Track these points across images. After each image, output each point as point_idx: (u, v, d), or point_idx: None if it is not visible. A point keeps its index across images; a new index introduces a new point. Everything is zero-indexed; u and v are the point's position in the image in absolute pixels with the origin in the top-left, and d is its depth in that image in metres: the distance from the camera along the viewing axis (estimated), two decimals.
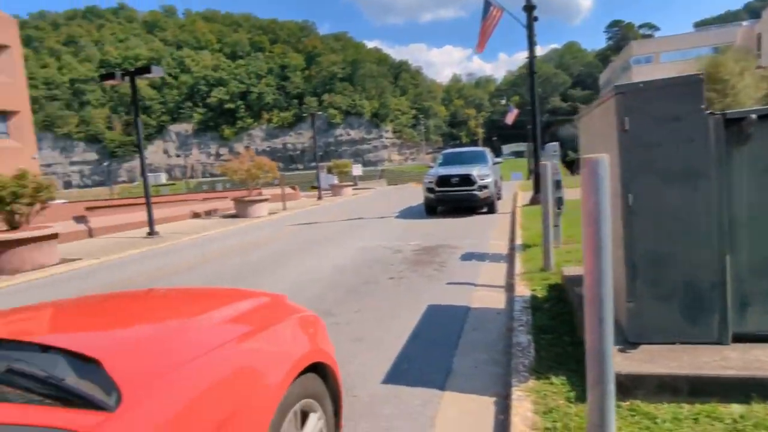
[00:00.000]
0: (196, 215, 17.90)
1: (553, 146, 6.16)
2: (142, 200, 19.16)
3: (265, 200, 17.51)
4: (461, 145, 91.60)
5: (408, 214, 13.50)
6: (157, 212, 13.26)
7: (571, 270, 4.24)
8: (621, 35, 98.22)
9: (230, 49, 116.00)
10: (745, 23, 52.28)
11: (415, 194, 21.77)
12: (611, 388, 1.91)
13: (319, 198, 24.01)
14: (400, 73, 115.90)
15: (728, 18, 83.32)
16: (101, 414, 1.21)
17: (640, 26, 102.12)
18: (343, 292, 5.55)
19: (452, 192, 11.77)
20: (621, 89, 2.74)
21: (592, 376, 1.94)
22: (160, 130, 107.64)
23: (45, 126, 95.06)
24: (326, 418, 2.15)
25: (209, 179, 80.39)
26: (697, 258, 2.64)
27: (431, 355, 3.60)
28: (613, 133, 2.76)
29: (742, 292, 2.63)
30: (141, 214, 14.69)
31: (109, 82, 11.97)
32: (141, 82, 11.64)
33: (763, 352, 2.50)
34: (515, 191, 17.39)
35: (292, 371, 1.86)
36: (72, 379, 1.37)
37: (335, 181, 30.08)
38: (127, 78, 12.03)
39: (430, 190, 12.13)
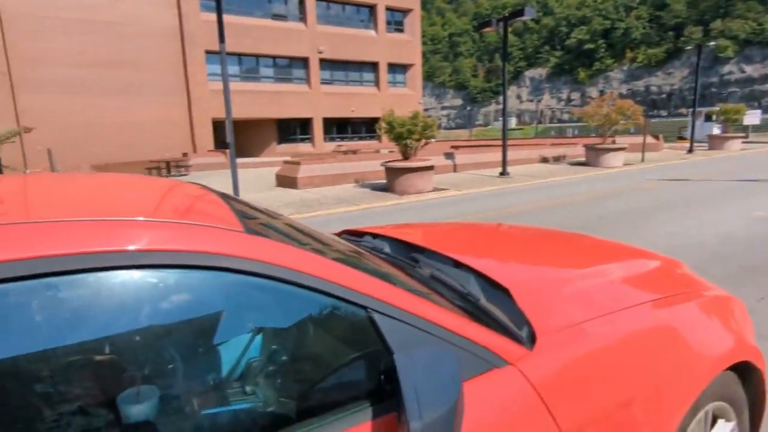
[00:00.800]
0: (544, 160, 17.92)
1: None
2: (495, 142, 20.59)
3: (621, 149, 15.75)
4: None
5: None
6: (509, 154, 13.92)
7: None
8: None
9: None
10: None
11: None
12: None
13: (690, 151, 19.88)
14: None
15: None
16: (520, 348, 1.17)
17: None
18: (735, 271, 4.35)
19: None
20: None
21: None
22: (516, 76, 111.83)
23: (427, 76, 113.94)
24: (739, 430, 1.65)
25: (557, 125, 79.12)
26: None
27: None
28: None
29: None
30: (494, 155, 15.85)
31: (486, 30, 12.84)
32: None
33: None
34: None
35: (716, 365, 1.45)
36: (482, 303, 1.41)
37: (715, 131, 24.15)
38: (500, 24, 12.63)
39: None
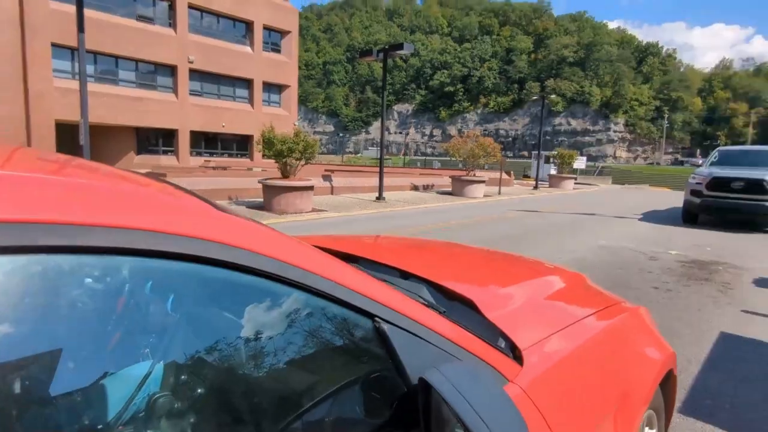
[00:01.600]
0: (414, 188, 18.87)
1: None
2: (369, 168, 21.10)
3: (482, 182, 17.34)
4: (714, 146, 74.65)
5: (655, 218, 11.52)
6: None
7: None
8: None
9: (458, 33, 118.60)
10: None
11: (655, 198, 18.80)
12: None
13: (536, 187, 22.76)
14: (645, 58, 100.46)
15: None
16: (514, 364, 1.04)
17: None
18: None
19: (730, 199, 9.33)
20: None
21: None
22: (385, 109, 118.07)
23: (301, 100, 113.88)
24: None
25: (421, 157, 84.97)
26: None
27: (746, 398, 2.76)
28: None
29: None
30: (368, 180, 16.21)
31: (367, 59, 13.21)
32: (376, 65, 12.53)
33: None
34: None
35: (660, 373, 1.48)
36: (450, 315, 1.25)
37: (552, 171, 28.12)
38: (380, 55, 13.11)
39: (695, 193, 9.91)
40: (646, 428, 1.60)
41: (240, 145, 28.08)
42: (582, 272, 5.55)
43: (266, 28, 28.06)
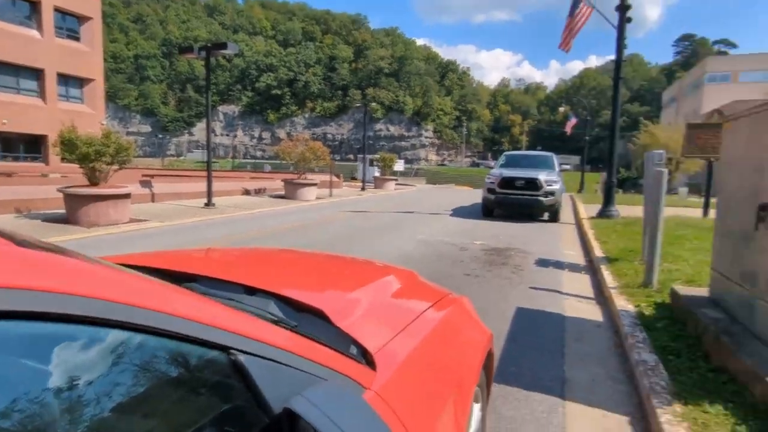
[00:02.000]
0: (246, 192, 18.23)
1: (659, 154, 5.79)
2: (193, 173, 19.59)
3: (314, 185, 17.66)
4: (501, 151, 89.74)
5: (462, 213, 13.28)
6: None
7: (687, 290, 3.99)
8: (692, 51, 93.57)
9: (283, 36, 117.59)
10: None
11: (461, 195, 21.56)
12: None
13: (363, 189, 24.05)
14: (446, 73, 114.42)
15: None
16: (370, 371, 1.13)
17: (716, 42, 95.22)
18: None
19: (515, 195, 11.41)
20: None
21: None
22: (210, 110, 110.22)
23: (109, 96, 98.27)
24: (482, 409, 2.05)
25: (251, 160, 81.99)
26: None
27: (538, 361, 3.46)
28: None
29: None
30: (194, 186, 15.13)
31: (188, 56, 12.30)
32: (197, 63, 11.88)
33: None
34: (572, 203, 16.93)
35: (482, 354, 1.77)
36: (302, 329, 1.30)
37: (376, 173, 30.10)
38: (201, 53, 12.32)
39: (490, 191, 11.82)
40: (474, 404, 1.92)
41: (30, 146, 23.26)
42: (408, 266, 6.10)
43: (58, 10, 23.70)
